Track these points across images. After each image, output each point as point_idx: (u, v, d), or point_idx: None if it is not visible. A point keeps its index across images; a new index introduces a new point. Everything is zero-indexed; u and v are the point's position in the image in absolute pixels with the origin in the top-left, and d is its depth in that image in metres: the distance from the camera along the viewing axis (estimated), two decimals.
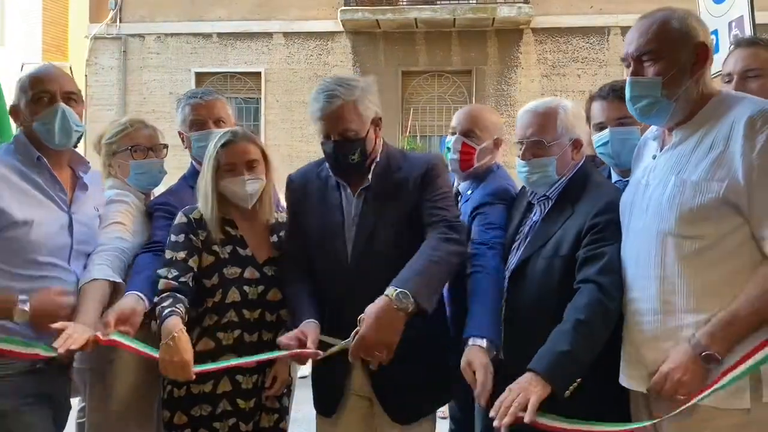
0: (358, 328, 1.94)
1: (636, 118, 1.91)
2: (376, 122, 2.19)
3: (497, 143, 2.61)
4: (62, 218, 2.13)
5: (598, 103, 2.36)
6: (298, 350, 2.03)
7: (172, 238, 2.23)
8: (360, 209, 2.19)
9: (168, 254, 2.20)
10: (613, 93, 2.28)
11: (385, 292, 1.93)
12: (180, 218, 2.26)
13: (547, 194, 2.18)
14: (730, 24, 3.50)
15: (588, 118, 2.40)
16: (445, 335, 2.26)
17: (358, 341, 1.93)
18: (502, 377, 2.02)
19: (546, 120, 2.16)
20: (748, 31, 3.38)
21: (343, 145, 2.14)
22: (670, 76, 1.77)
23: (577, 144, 2.17)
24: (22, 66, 2.48)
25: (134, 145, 2.56)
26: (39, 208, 2.08)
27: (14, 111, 2.19)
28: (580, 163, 2.19)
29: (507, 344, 2.10)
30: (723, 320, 1.66)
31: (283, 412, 2.37)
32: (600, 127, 2.33)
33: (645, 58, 1.80)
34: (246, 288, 2.23)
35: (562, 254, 2.03)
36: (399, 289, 1.92)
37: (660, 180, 1.81)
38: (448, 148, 2.62)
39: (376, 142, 2.20)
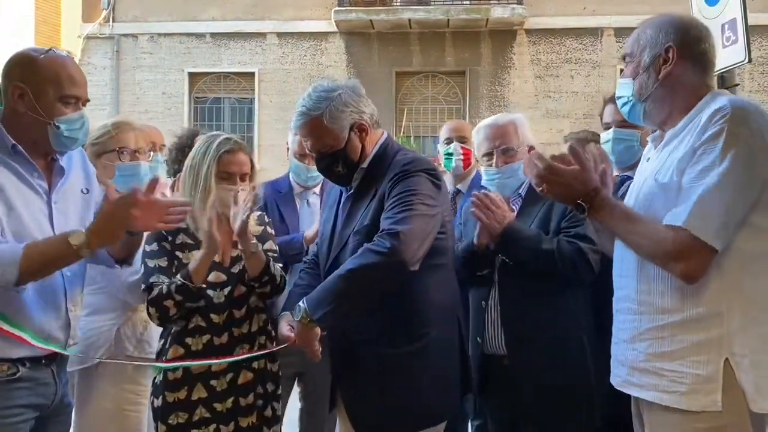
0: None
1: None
2: (359, 127, 2.15)
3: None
4: (42, 207, 2.00)
5: (609, 107, 2.67)
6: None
7: (147, 248, 2.25)
8: (345, 215, 2.20)
9: (150, 263, 2.24)
10: None
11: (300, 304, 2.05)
12: None
13: (519, 193, 2.49)
14: (723, 26, 3.51)
15: (601, 119, 2.77)
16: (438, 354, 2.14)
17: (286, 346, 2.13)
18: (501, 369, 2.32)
19: (509, 130, 2.50)
20: (740, 33, 3.40)
21: (322, 159, 2.18)
22: (637, 78, 1.84)
23: (529, 150, 2.45)
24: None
25: (121, 147, 2.57)
26: (17, 195, 1.94)
27: (19, 90, 1.94)
28: None
29: (508, 339, 2.35)
30: (616, 203, 1.76)
31: (269, 398, 2.32)
32: (606, 126, 2.65)
33: (625, 61, 1.90)
34: (210, 292, 2.23)
35: (551, 231, 2.34)
36: (302, 304, 2.01)
37: (643, 183, 1.84)
38: (449, 154, 3.20)
39: (364, 147, 2.17)
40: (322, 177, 2.95)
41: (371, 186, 2.14)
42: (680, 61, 1.79)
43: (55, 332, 1.98)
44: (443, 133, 3.43)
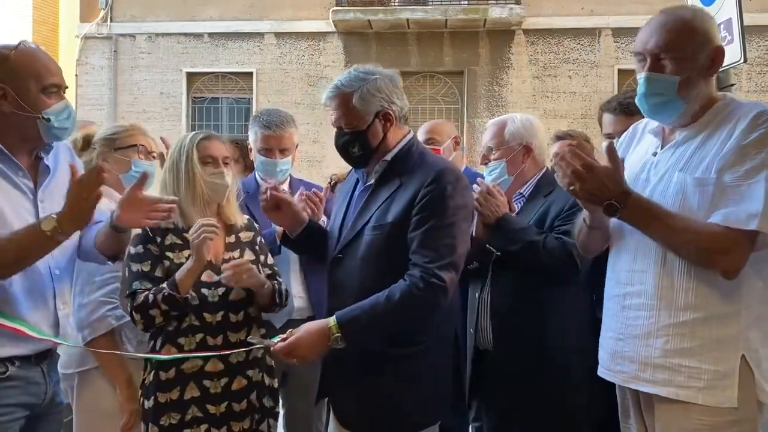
0: (288, 333, 2.05)
1: (644, 114, 1.89)
2: (384, 115, 2.13)
3: (457, 141, 3.43)
4: (28, 206, 1.97)
5: (607, 115, 2.64)
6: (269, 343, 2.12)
7: (132, 250, 2.22)
8: (361, 205, 2.18)
9: (133, 267, 2.21)
10: (620, 107, 2.58)
11: (329, 322, 1.99)
12: (137, 229, 2.24)
13: (522, 193, 2.55)
14: (718, 26, 3.52)
15: (600, 125, 2.73)
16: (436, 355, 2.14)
17: (286, 349, 2.02)
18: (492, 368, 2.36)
19: (496, 130, 2.57)
20: (736, 34, 3.41)
21: (340, 136, 2.17)
22: (686, 77, 1.76)
23: (526, 149, 2.53)
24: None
25: (142, 145, 2.62)
26: (1, 195, 1.92)
27: (0, 91, 1.91)
28: (545, 168, 2.58)
29: (495, 334, 2.39)
30: (649, 202, 1.74)
31: (266, 413, 2.32)
32: (608, 136, 2.61)
33: (664, 56, 1.77)
34: (204, 291, 2.21)
35: (545, 228, 2.39)
36: (338, 334, 1.97)
37: (662, 176, 1.81)
38: None
39: (386, 136, 2.14)
40: (289, 169, 2.98)
41: (392, 180, 2.13)
42: (721, 63, 1.81)
43: (45, 330, 1.96)
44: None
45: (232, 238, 2.35)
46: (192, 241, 2.13)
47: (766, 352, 1.70)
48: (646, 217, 1.74)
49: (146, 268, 2.20)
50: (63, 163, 2.12)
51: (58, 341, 2.01)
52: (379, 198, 2.12)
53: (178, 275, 2.15)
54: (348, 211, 2.24)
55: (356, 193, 2.25)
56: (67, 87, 2.03)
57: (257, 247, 2.41)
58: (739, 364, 1.67)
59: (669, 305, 1.74)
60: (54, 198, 2.03)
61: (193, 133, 2.33)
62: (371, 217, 2.10)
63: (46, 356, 2.02)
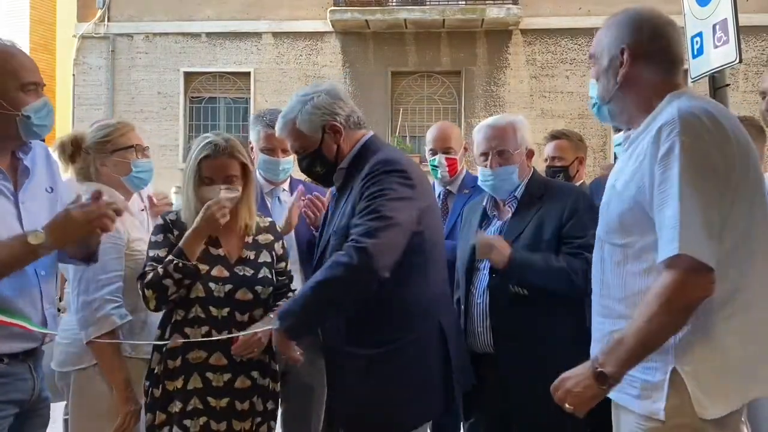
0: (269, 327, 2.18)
1: None
2: (331, 128, 2.19)
3: (465, 149, 3.32)
4: (9, 208, 1.94)
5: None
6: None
7: (152, 238, 2.33)
8: (331, 214, 2.25)
9: (151, 252, 2.29)
10: None
11: (274, 318, 2.15)
12: (158, 220, 2.39)
13: (515, 195, 2.50)
14: (714, 26, 3.52)
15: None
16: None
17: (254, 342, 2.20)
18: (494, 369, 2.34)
19: (507, 132, 2.51)
20: (731, 34, 3.42)
21: (301, 160, 2.28)
22: (599, 80, 1.82)
23: (530, 153, 2.55)
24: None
25: (138, 144, 2.59)
26: None
27: None
28: (533, 169, 2.59)
29: (496, 337, 2.37)
30: (614, 342, 1.61)
31: (267, 416, 2.33)
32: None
33: (591, 61, 1.88)
34: (211, 285, 2.24)
35: (546, 238, 2.36)
36: (276, 327, 2.09)
37: (609, 185, 1.83)
38: (434, 166, 3.19)
39: (339, 147, 2.21)
40: (291, 168, 2.98)
41: (348, 185, 2.19)
42: (634, 61, 1.73)
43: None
44: (428, 142, 3.37)
45: (249, 239, 2.37)
46: (208, 207, 2.20)
47: (707, 366, 1.60)
48: (630, 359, 1.60)
49: (162, 253, 2.26)
50: (40, 162, 2.10)
51: (59, 336, 2.01)
52: (340, 204, 2.20)
53: (182, 242, 2.23)
54: (325, 221, 2.32)
55: (332, 205, 2.33)
56: (44, 85, 2.01)
57: (274, 252, 2.41)
58: (670, 377, 1.60)
59: (611, 313, 1.75)
60: (35, 199, 2.01)
61: (204, 142, 2.29)
62: (334, 223, 2.18)
63: (32, 353, 2.02)
